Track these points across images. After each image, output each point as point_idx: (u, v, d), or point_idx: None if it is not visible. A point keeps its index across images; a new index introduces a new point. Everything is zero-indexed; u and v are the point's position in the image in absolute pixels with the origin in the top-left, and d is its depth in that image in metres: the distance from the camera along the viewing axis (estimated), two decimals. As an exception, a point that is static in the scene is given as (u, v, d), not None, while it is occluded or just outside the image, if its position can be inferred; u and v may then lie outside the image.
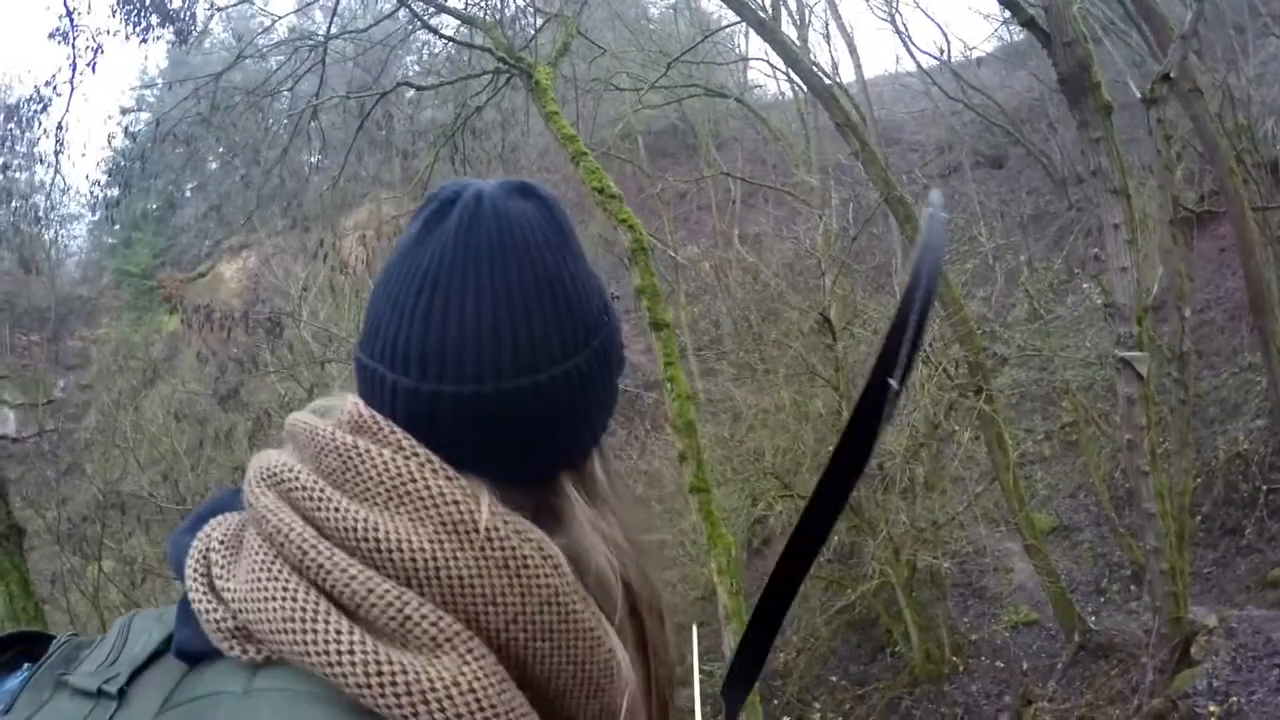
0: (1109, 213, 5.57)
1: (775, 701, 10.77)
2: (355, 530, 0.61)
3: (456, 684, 0.58)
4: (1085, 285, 13.42)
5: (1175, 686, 6.03)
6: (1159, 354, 7.55)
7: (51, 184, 11.41)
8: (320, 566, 0.60)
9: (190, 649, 0.64)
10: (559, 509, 0.72)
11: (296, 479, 0.65)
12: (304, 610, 0.58)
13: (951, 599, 10.99)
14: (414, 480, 0.64)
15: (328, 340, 12.12)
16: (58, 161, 9.72)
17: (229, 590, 0.62)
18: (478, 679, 0.59)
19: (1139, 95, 6.19)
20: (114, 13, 9.84)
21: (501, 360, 0.67)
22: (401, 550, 0.61)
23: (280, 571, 0.61)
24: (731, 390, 13.24)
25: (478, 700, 0.58)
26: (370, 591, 0.59)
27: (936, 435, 10.21)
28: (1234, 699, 5.70)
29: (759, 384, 12.41)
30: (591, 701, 0.69)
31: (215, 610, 0.62)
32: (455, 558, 0.62)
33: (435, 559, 0.61)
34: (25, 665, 0.74)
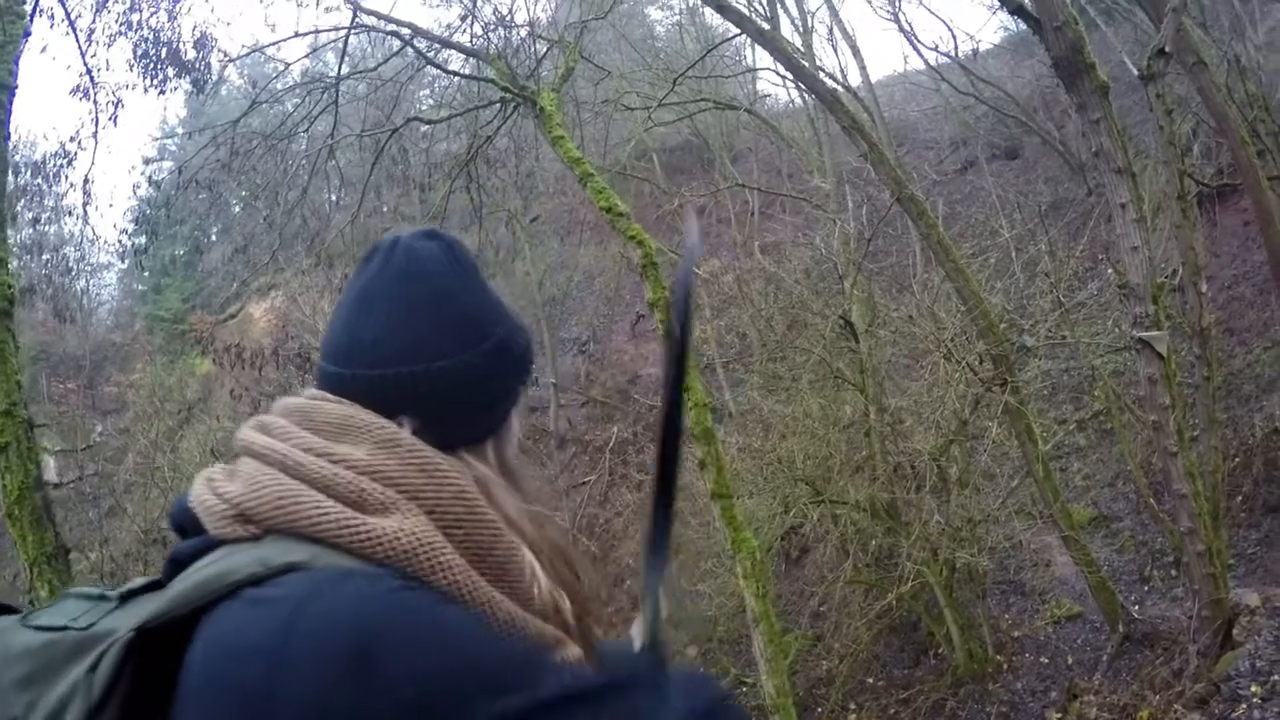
0: (1115, 193, 5.53)
1: (819, 709, 10.67)
2: (318, 448, 0.83)
3: (401, 529, 0.77)
4: (1109, 271, 13.24)
5: (1218, 670, 5.90)
6: (1180, 332, 7.45)
7: (81, 235, 11.79)
8: (300, 464, 0.81)
9: (185, 552, 0.80)
10: None
11: (275, 422, 0.88)
12: (291, 490, 0.78)
13: (992, 597, 10.84)
14: (352, 418, 0.86)
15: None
16: (86, 214, 10.05)
17: (229, 490, 0.80)
18: (417, 528, 0.78)
19: (1136, 73, 6.15)
20: (132, 66, 10.19)
21: (401, 351, 0.90)
22: (347, 459, 0.82)
23: (270, 470, 0.81)
24: (759, 400, 13.24)
25: (417, 539, 0.77)
26: (336, 476, 0.80)
27: (966, 432, 10.11)
28: (1276, 678, 5.56)
29: (787, 392, 12.39)
30: (499, 585, 0.84)
31: (218, 504, 0.80)
32: (386, 463, 0.83)
33: (372, 465, 0.82)
34: None
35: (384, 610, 0.69)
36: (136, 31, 10.28)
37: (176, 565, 0.80)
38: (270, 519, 0.77)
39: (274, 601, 0.68)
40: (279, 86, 11.46)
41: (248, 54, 11.53)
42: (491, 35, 10.10)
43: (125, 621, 0.74)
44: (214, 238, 29.13)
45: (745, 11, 12.49)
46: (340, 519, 0.76)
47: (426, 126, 11.57)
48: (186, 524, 0.82)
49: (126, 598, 0.80)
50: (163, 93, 10.90)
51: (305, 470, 0.80)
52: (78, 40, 7.18)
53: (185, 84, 11.45)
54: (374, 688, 0.64)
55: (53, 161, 11.03)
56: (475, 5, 10.68)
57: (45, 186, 11.80)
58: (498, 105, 9.74)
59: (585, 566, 1.01)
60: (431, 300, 0.92)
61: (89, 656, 0.72)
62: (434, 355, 0.90)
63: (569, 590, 0.94)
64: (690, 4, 23.53)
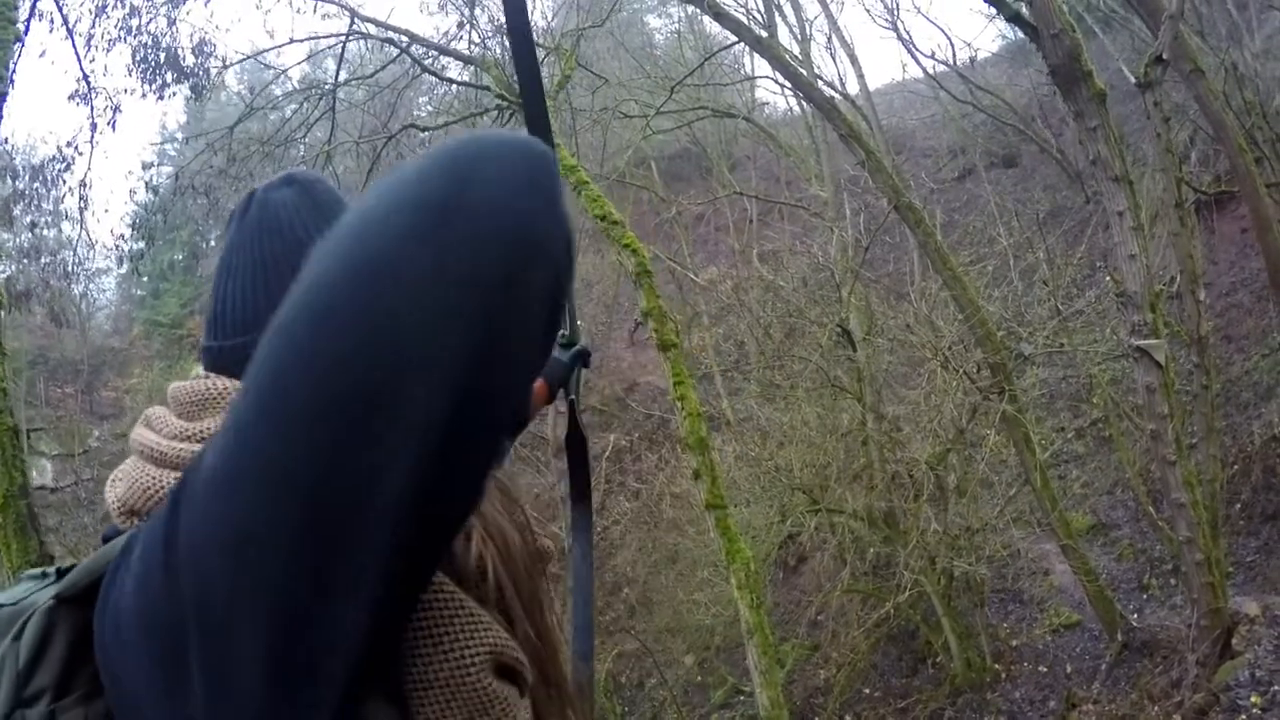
0: (1112, 201, 5.51)
1: (816, 719, 10.62)
2: (179, 431, 0.84)
3: None
4: (1107, 279, 13.24)
5: (1217, 679, 5.86)
6: (1178, 340, 7.42)
7: (78, 240, 11.79)
8: (163, 453, 0.82)
9: (110, 535, 0.83)
10: None
11: (154, 413, 0.89)
12: (157, 480, 0.80)
13: (990, 605, 10.79)
14: (208, 390, 0.85)
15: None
16: (82, 218, 10.04)
17: (118, 491, 0.83)
18: None
19: (1133, 80, 6.14)
20: (130, 71, 10.21)
21: (260, 316, 0.83)
22: (204, 434, 0.82)
23: (142, 465, 0.83)
24: (757, 409, 13.22)
25: None
26: (193, 454, 0.79)
27: (963, 440, 10.08)
28: (1276, 688, 5.52)
29: (784, 400, 12.36)
30: None
31: (114, 503, 0.83)
32: None
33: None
34: None
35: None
36: (135, 37, 10.31)
37: (105, 543, 0.84)
38: (147, 509, 0.79)
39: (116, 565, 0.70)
40: (277, 93, 11.47)
41: (246, 60, 11.51)
42: (489, 42, 10.10)
43: (51, 593, 0.78)
44: (212, 242, 29.10)
45: (743, 20, 12.51)
46: None
47: (424, 133, 11.57)
48: None
49: (63, 573, 0.82)
50: (161, 98, 10.92)
51: (169, 457, 0.81)
52: (75, 46, 7.19)
53: (184, 89, 11.48)
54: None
55: (51, 166, 11.04)
56: (472, 13, 10.71)
57: (44, 191, 11.79)
58: (494, 112, 9.73)
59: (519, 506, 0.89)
60: (286, 255, 0.87)
61: (15, 627, 0.75)
62: None
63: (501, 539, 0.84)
64: (689, 12, 23.56)
